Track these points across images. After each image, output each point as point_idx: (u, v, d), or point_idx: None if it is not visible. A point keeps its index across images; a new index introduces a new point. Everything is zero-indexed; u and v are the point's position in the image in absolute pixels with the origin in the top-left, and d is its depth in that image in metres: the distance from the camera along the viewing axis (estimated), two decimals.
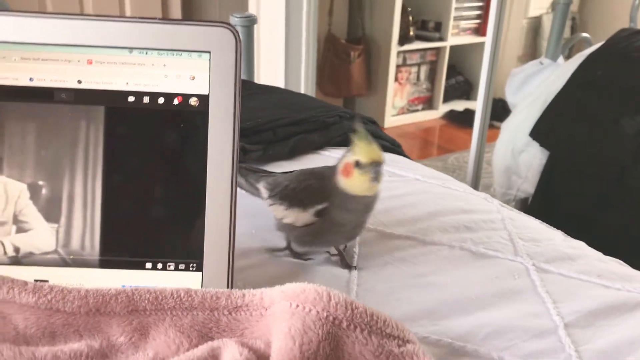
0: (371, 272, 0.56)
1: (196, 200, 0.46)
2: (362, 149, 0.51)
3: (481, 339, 0.47)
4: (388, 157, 0.83)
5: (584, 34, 2.03)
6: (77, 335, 0.41)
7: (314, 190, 0.56)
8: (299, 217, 0.56)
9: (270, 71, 2.03)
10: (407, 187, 0.74)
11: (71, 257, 0.46)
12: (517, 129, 1.74)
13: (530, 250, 0.61)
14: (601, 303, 0.53)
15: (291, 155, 0.79)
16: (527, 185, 1.75)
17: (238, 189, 0.51)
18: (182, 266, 0.46)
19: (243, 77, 1.13)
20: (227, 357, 0.39)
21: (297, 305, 0.41)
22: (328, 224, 0.55)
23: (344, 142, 0.85)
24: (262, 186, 0.61)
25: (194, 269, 0.46)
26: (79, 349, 0.40)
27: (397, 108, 3.06)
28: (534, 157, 1.71)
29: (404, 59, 2.98)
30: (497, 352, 0.46)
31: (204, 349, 0.41)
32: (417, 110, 3.14)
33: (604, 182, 1.56)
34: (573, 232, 0.70)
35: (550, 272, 0.58)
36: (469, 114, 2.86)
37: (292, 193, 0.57)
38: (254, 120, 0.79)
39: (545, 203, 1.71)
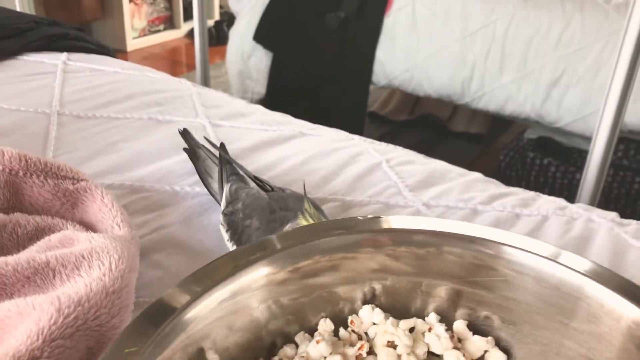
0: (72, 145, 0.63)
1: None
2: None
3: (157, 179, 0.59)
4: (87, 57, 0.89)
5: None
6: None
7: (251, 234, 0.45)
8: None
9: None
10: (106, 78, 0.81)
11: None
12: (242, 34, 1.87)
13: (209, 112, 0.74)
14: (259, 140, 0.68)
15: None
16: (260, 86, 1.91)
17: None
18: None
19: None
20: None
21: None
22: None
23: (43, 46, 0.88)
24: (225, 192, 0.51)
25: None
26: None
27: (137, 30, 3.01)
28: (261, 60, 1.87)
29: None
30: (169, 185, 0.58)
31: None
32: (159, 31, 3.12)
33: (320, 72, 1.79)
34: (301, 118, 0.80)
35: (223, 126, 0.71)
36: (210, 30, 2.94)
37: (233, 223, 0.47)
38: None
39: (277, 100, 1.90)
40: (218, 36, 3.04)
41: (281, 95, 1.90)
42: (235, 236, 0.47)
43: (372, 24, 1.70)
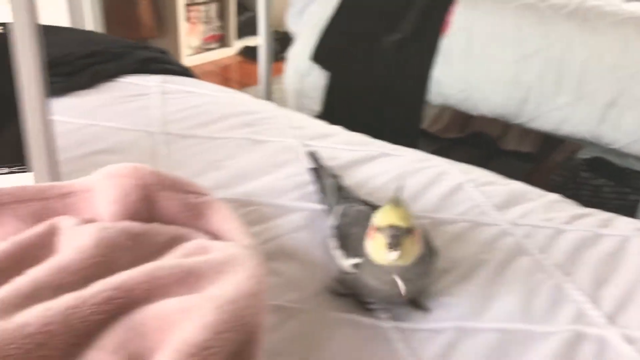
0: (180, 162, 0.70)
1: (13, 112, 0.55)
2: (382, 212, 0.46)
3: (262, 194, 0.64)
4: (179, 79, 0.96)
5: None
6: None
7: (356, 239, 0.50)
8: (342, 262, 0.52)
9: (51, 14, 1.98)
10: (198, 100, 0.88)
11: None
12: (300, 55, 1.94)
13: (297, 133, 0.79)
14: (347, 160, 0.73)
15: (91, 84, 0.87)
16: (316, 105, 1.97)
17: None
18: (15, 169, 0.56)
19: None
20: (63, 225, 0.51)
21: (117, 180, 0.53)
22: (362, 283, 0.49)
23: (138, 69, 0.95)
24: (335, 212, 0.58)
25: (25, 170, 0.56)
26: None
27: (192, 48, 3.12)
28: (318, 79, 1.93)
29: None
30: (274, 199, 0.63)
31: (42, 225, 0.52)
32: (212, 49, 3.23)
33: (376, 92, 1.84)
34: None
35: (312, 145, 0.76)
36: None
37: (342, 233, 0.54)
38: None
39: (332, 117, 1.96)
40: None
41: (336, 113, 1.95)
42: (341, 242, 0.53)
43: (429, 45, 1.74)
